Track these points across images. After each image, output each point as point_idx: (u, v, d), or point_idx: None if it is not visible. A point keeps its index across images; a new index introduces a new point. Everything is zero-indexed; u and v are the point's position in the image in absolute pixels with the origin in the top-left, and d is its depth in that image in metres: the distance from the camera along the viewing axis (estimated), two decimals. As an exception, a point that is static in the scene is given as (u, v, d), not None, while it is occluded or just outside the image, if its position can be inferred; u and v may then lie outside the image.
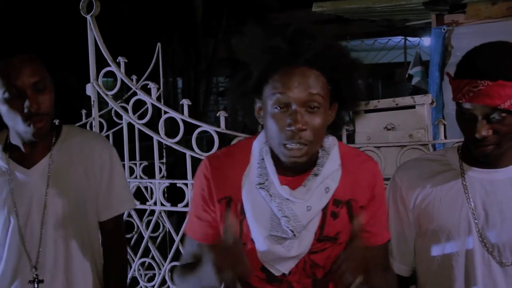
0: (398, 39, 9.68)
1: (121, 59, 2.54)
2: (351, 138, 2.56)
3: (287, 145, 1.19)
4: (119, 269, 1.69)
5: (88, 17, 2.44)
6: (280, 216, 1.25)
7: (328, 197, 1.28)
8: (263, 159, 1.30)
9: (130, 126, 2.61)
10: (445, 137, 2.20)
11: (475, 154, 1.30)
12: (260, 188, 1.27)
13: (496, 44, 1.27)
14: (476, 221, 1.32)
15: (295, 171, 1.29)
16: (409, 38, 9.38)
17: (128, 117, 2.56)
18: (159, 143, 2.57)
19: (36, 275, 1.53)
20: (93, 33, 2.48)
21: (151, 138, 2.54)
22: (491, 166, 1.34)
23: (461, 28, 4.30)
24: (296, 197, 1.25)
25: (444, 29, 4.33)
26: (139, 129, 2.54)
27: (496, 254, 1.31)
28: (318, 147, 1.28)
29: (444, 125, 2.24)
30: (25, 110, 1.45)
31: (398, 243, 1.46)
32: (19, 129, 1.50)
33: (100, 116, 2.99)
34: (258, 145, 1.34)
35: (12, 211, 1.54)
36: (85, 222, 1.60)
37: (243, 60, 1.30)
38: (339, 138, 2.09)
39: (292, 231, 1.25)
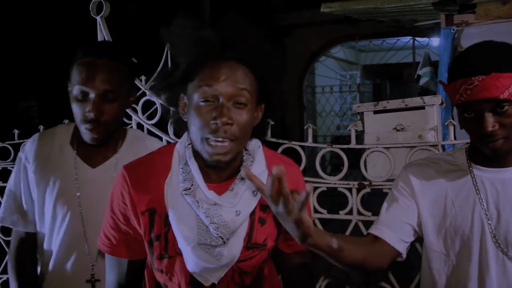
0: (406, 39, 9.63)
1: (130, 60, 2.54)
2: (360, 139, 2.55)
3: (210, 141, 1.14)
4: None
5: (98, 18, 2.45)
6: (208, 223, 1.19)
7: (256, 200, 1.25)
8: (186, 163, 1.24)
9: (139, 127, 2.62)
10: (455, 138, 2.19)
11: (485, 152, 1.29)
12: (186, 194, 1.21)
13: (482, 43, 1.29)
14: (489, 221, 1.32)
15: (220, 176, 1.24)
16: (418, 39, 9.33)
17: (137, 118, 2.57)
18: (168, 143, 2.58)
19: (93, 274, 1.55)
20: (103, 34, 2.49)
21: (161, 138, 2.54)
22: (501, 165, 1.33)
23: (470, 28, 4.27)
24: (224, 202, 1.20)
25: (453, 30, 4.30)
26: (148, 129, 2.55)
27: (511, 253, 1.30)
28: (242, 147, 1.23)
29: (454, 125, 2.22)
30: (86, 114, 1.47)
31: (394, 212, 1.40)
32: (79, 129, 1.52)
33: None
34: (180, 149, 1.27)
35: (76, 208, 1.54)
36: None
37: (172, 53, 1.27)
38: (346, 142, 2.08)
39: (222, 238, 1.19)
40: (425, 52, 6.03)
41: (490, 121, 1.23)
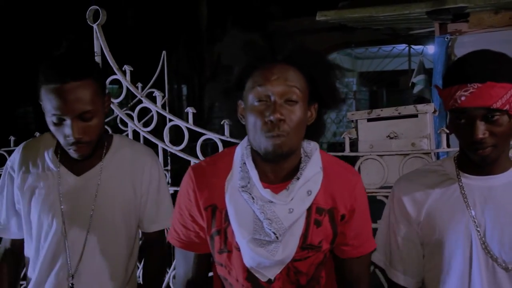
0: (402, 46, 9.70)
1: (127, 68, 2.56)
2: (354, 146, 2.57)
3: (265, 135, 1.22)
4: (156, 274, 1.70)
5: (95, 26, 2.47)
6: (263, 219, 1.26)
7: (310, 200, 1.30)
8: (244, 163, 1.32)
9: (135, 134, 2.63)
10: (448, 146, 2.21)
11: (474, 159, 1.31)
12: (243, 191, 1.29)
13: (480, 51, 1.31)
14: (478, 229, 1.33)
15: (278, 177, 1.31)
16: (414, 46, 9.40)
17: (133, 125, 2.58)
18: (164, 150, 2.60)
19: (72, 284, 1.52)
20: (99, 42, 2.51)
21: (156, 145, 2.56)
22: (488, 173, 1.35)
23: (464, 37, 4.32)
24: (278, 200, 1.27)
25: (447, 38, 4.35)
26: (144, 137, 2.56)
27: (500, 260, 1.31)
28: (297, 143, 1.29)
29: (447, 133, 2.25)
30: (67, 138, 1.44)
31: (403, 254, 1.45)
32: (64, 148, 1.50)
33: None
34: (240, 150, 1.36)
35: (59, 216, 1.53)
36: (128, 235, 1.60)
37: (226, 64, 1.34)
38: (340, 150, 2.10)
39: (275, 234, 1.25)
40: (420, 60, 6.07)
41: (481, 128, 1.25)
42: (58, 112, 1.42)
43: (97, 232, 1.54)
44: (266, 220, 1.26)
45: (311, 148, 1.36)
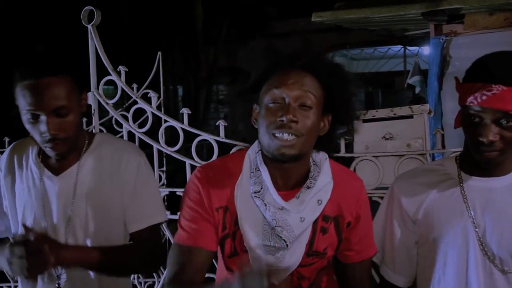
0: (397, 48, 9.72)
1: (121, 68, 2.55)
2: (349, 147, 2.58)
3: (277, 135, 1.23)
4: (131, 259, 1.56)
5: (89, 26, 2.46)
6: (274, 226, 1.27)
7: (320, 209, 1.31)
8: (257, 168, 1.32)
9: (130, 135, 2.62)
10: (443, 147, 2.22)
11: (478, 159, 1.30)
12: (255, 196, 1.29)
13: (509, 53, 1.29)
14: (476, 229, 1.33)
15: (287, 184, 1.32)
16: (409, 47, 9.42)
17: (128, 126, 2.57)
18: (159, 151, 2.59)
19: (58, 284, 1.52)
20: (94, 42, 2.49)
21: (151, 146, 2.55)
22: (490, 175, 1.34)
23: (459, 38, 4.33)
24: (290, 207, 1.27)
25: (442, 39, 4.36)
26: (139, 138, 2.55)
27: (498, 262, 1.31)
28: (307, 148, 1.29)
29: (442, 134, 2.25)
30: (43, 136, 1.43)
31: (396, 253, 1.46)
32: (41, 147, 1.50)
33: (100, 124, 3.00)
34: (251, 154, 1.36)
35: (41, 217, 1.53)
36: (109, 234, 1.56)
37: (245, 68, 1.36)
38: (336, 150, 2.10)
39: (285, 241, 1.27)
40: (415, 61, 6.10)
41: (493, 131, 1.24)
42: (32, 108, 1.41)
43: (77, 233, 1.53)
44: (277, 228, 1.27)
45: (320, 157, 1.37)
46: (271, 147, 1.24)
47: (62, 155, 1.50)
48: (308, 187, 1.30)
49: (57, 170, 1.56)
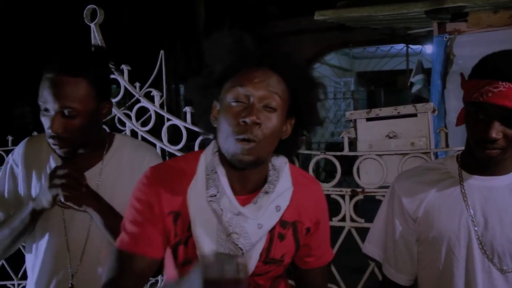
0: (400, 46, 9.69)
1: (124, 67, 2.56)
2: (353, 146, 2.57)
3: (236, 139, 1.16)
4: None
5: (92, 25, 2.46)
6: (230, 232, 1.20)
7: (278, 215, 1.25)
8: (213, 170, 1.24)
9: (133, 133, 2.62)
10: (447, 145, 2.21)
11: (479, 157, 1.30)
12: (211, 201, 1.21)
13: None
14: (475, 228, 1.33)
15: (245, 188, 1.25)
16: (411, 46, 9.40)
17: (131, 124, 2.57)
18: (162, 150, 2.59)
19: (72, 284, 1.52)
20: (97, 41, 2.49)
21: (154, 145, 2.55)
22: (491, 174, 1.34)
23: (463, 37, 4.32)
24: (248, 213, 1.21)
25: (445, 38, 4.34)
26: (142, 136, 2.55)
27: (497, 261, 1.32)
28: (266, 153, 1.23)
29: (446, 133, 2.24)
30: (48, 130, 1.46)
31: (397, 251, 1.46)
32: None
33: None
34: (208, 155, 1.28)
35: (60, 216, 1.54)
36: None
37: (207, 62, 1.27)
38: (339, 149, 2.09)
39: (241, 249, 1.20)
40: (418, 60, 6.08)
41: (497, 128, 1.23)
42: (43, 101, 1.44)
43: (97, 232, 1.53)
44: (233, 235, 1.19)
45: (280, 162, 1.31)
46: (230, 151, 1.17)
47: (66, 154, 1.50)
48: (267, 192, 1.24)
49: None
